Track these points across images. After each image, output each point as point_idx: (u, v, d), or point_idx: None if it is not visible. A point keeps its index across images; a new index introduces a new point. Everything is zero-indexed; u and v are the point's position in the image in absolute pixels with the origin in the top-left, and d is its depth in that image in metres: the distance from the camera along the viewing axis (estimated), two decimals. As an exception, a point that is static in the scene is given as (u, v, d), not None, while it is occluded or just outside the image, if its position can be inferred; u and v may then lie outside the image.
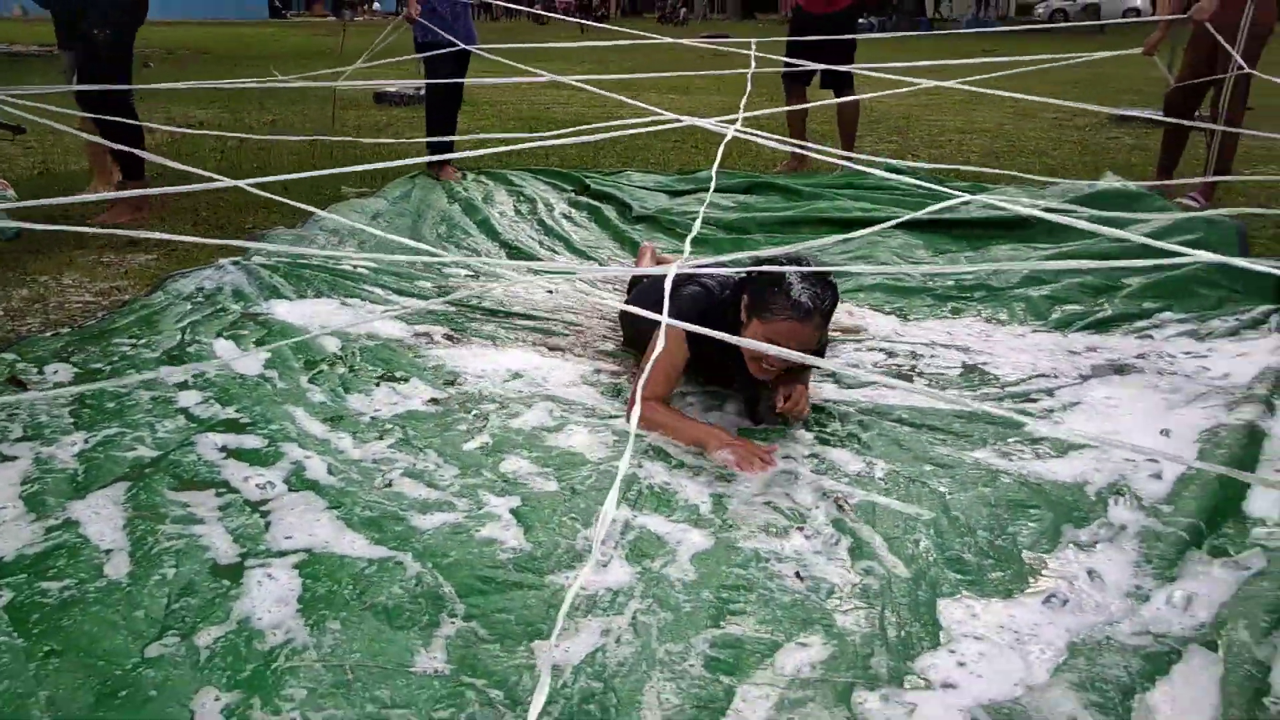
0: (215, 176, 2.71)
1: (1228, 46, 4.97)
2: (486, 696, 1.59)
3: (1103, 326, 3.64)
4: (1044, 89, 6.48)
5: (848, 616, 1.86)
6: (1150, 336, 3.55)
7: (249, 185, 2.62)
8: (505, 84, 8.93)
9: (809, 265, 2.56)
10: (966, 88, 4.98)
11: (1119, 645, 1.79)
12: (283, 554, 1.99)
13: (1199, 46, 5.45)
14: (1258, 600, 1.92)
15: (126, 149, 4.10)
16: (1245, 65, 4.97)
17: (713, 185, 4.71)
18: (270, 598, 1.83)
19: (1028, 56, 5.93)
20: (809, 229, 4.79)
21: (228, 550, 2.00)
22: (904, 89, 4.99)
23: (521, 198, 5.50)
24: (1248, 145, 6.74)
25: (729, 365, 2.70)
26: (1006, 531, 2.18)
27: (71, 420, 2.60)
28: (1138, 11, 28.92)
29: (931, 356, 3.31)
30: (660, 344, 1.89)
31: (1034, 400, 2.97)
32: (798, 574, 1.98)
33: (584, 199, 5.49)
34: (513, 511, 2.19)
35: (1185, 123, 5.33)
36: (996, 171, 5.06)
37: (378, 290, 3.88)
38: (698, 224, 3.62)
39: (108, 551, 1.99)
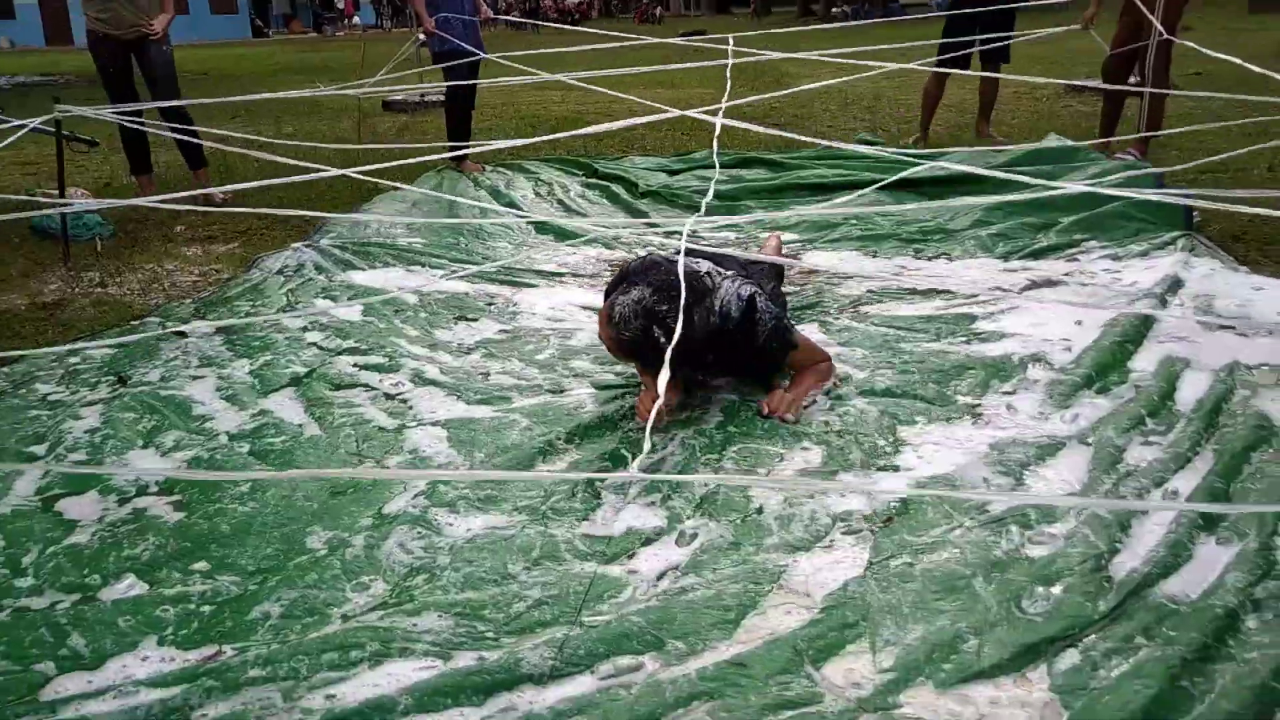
0: (321, 167, 3.48)
1: (1149, 15, 5.74)
2: (590, 483, 2.36)
3: (1039, 254, 4.43)
4: (1006, 66, 7.26)
5: (834, 437, 2.64)
6: (1077, 260, 4.34)
7: (355, 173, 3.39)
8: (513, 85, 9.66)
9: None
10: (925, 69, 5.76)
11: (1022, 442, 2.57)
12: (425, 423, 2.77)
13: (1127, 17, 6.23)
14: (1125, 414, 2.71)
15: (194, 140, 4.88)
16: (1164, 32, 5.75)
17: (716, 165, 5.45)
18: (428, 439, 2.61)
19: (982, 36, 6.77)
20: (793, 194, 5.56)
21: (386, 421, 2.78)
22: (869, 73, 5.76)
23: (539, 182, 6.26)
24: (1186, 106, 7.55)
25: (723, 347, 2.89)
26: (949, 384, 2.96)
27: (230, 354, 3.36)
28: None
29: (899, 281, 4.09)
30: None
31: (981, 304, 3.75)
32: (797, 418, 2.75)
33: (595, 180, 6.26)
34: (588, 391, 2.96)
35: (1115, 87, 6.12)
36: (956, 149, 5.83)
37: (434, 259, 4.64)
38: (709, 195, 4.35)
39: (300, 425, 2.76)
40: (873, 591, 1.96)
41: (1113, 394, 2.89)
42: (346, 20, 46.42)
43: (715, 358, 2.94)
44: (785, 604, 1.94)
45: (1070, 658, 1.75)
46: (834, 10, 33.36)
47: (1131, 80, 6.53)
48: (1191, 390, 2.88)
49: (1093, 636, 1.80)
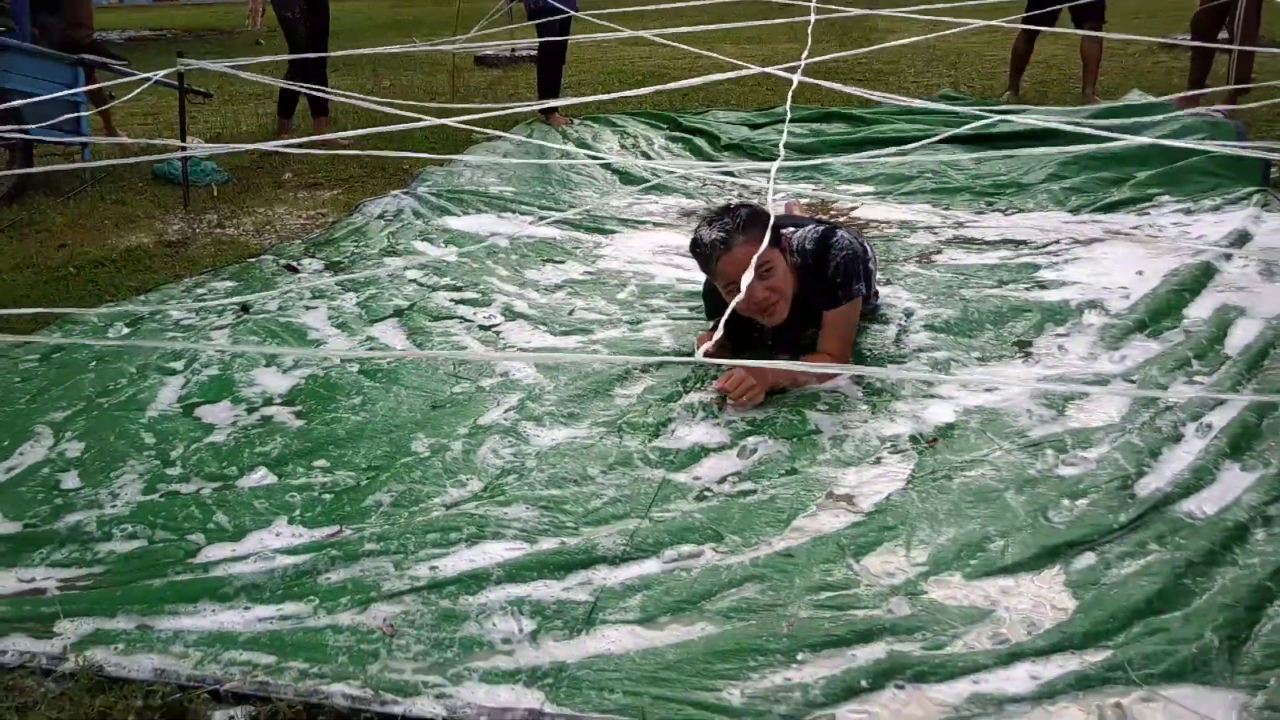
0: (420, 116, 3.76)
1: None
2: (666, 401, 2.61)
3: (1110, 208, 4.52)
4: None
5: (893, 363, 2.84)
6: (1148, 214, 4.42)
7: (454, 122, 3.66)
8: (601, 41, 9.85)
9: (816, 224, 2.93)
10: (1013, 25, 5.79)
11: (1069, 380, 2.74)
12: (517, 348, 3.04)
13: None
14: (1172, 356, 2.86)
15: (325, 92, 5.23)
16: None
17: (788, 120, 5.57)
18: (516, 366, 2.89)
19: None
20: (871, 148, 5.69)
21: (479, 348, 3.06)
22: (955, 29, 5.82)
23: (625, 135, 6.48)
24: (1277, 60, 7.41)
25: (757, 332, 2.88)
26: (1006, 325, 3.13)
27: (339, 288, 3.68)
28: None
29: (971, 231, 4.23)
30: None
31: (1050, 254, 3.88)
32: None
33: (678, 133, 6.45)
34: (663, 324, 3.21)
35: (1203, 44, 6.09)
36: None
37: (524, 205, 4.91)
38: (782, 144, 4.52)
39: (403, 349, 3.06)
40: (913, 501, 2.18)
41: (1163, 338, 3.02)
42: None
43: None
44: (832, 509, 2.17)
45: (1086, 559, 1.95)
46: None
47: (1222, 36, 6.47)
48: (1242, 336, 3.00)
49: (1109, 543, 1.99)
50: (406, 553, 2.01)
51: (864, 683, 1.64)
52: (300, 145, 4.79)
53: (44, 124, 4.95)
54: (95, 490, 2.31)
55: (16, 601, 1.93)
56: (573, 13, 6.74)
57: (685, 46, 5.85)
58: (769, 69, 4.70)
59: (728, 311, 2.06)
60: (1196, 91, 6.23)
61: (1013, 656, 1.70)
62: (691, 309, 3.35)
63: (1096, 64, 7.27)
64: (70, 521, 2.17)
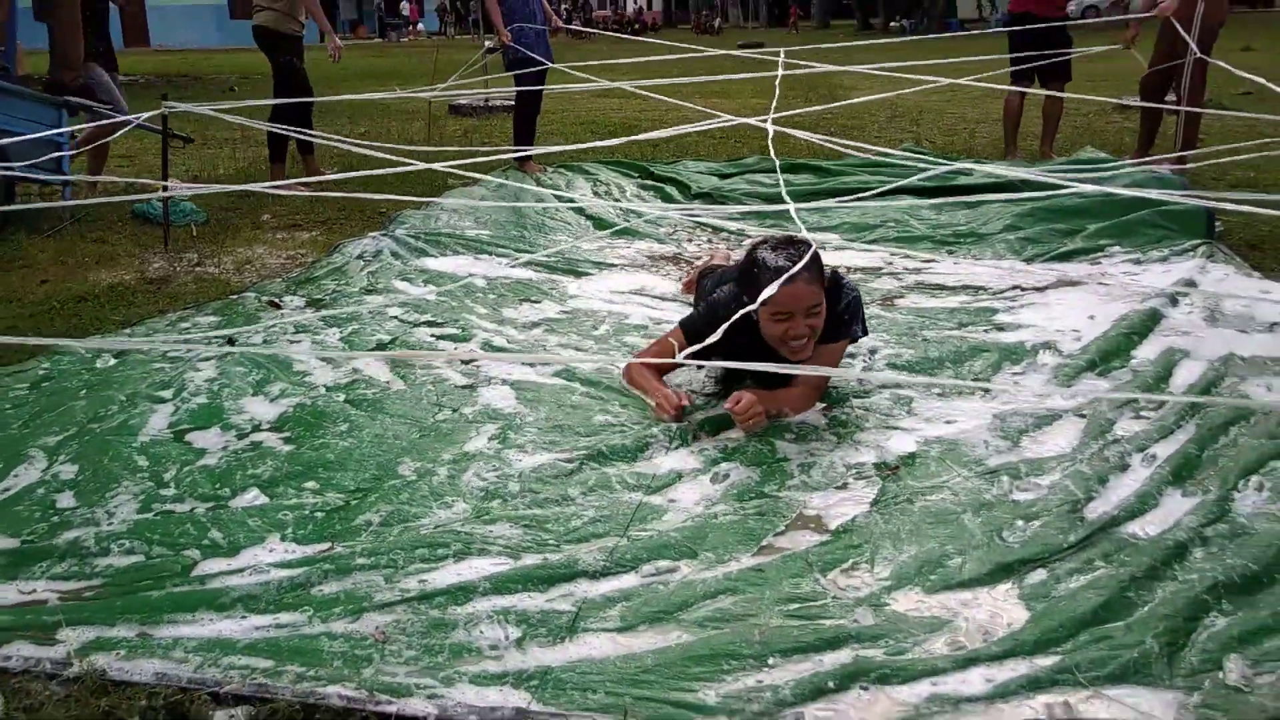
0: (406, 160, 3.89)
1: (1186, 36, 6.00)
2: (639, 424, 2.73)
3: (1064, 257, 4.72)
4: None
5: (857, 399, 2.98)
6: (1099, 263, 4.63)
7: (440, 167, 3.80)
8: (573, 92, 10.09)
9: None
10: (977, 84, 6.05)
11: (1023, 414, 2.89)
12: (496, 383, 3.16)
13: (1164, 39, 6.49)
14: (1117, 390, 3.02)
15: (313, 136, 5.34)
16: (1199, 51, 6.01)
17: (778, 165, 5.71)
18: (498, 397, 3.00)
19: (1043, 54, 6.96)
20: (835, 199, 5.89)
21: (460, 379, 3.17)
22: (918, 88, 6.06)
23: (598, 183, 6.66)
24: (1230, 124, 7.75)
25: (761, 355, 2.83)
26: (964, 363, 3.29)
27: (322, 323, 3.78)
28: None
29: (932, 276, 4.41)
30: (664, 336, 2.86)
31: (1007, 299, 4.06)
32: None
33: (649, 181, 6.64)
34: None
35: (1152, 104, 6.38)
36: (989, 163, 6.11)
37: (500, 248, 5.04)
38: (783, 190, 4.67)
39: (386, 381, 3.16)
40: (876, 522, 2.30)
41: (1112, 376, 3.20)
42: (411, 26, 47.52)
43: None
44: (801, 529, 2.29)
45: (1038, 575, 2.08)
46: (892, 25, 33.58)
47: (1169, 99, 6.77)
48: (1186, 375, 3.18)
49: (1060, 560, 2.13)
50: (396, 567, 2.11)
51: (831, 684, 1.76)
52: (293, 184, 4.90)
53: (26, 163, 5.05)
54: (91, 509, 2.39)
55: (19, 611, 2.00)
56: (549, 64, 6.95)
57: (658, 96, 6.05)
58: (742, 120, 4.90)
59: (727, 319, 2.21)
60: (1148, 160, 6.51)
61: (969, 661, 1.82)
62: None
63: (1056, 123, 7.53)
64: (68, 538, 2.24)
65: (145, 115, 4.98)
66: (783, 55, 6.09)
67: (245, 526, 2.29)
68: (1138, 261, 4.60)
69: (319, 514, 2.35)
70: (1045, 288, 4.25)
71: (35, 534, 2.29)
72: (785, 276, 2.64)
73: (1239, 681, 1.74)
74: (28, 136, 5.14)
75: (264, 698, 1.74)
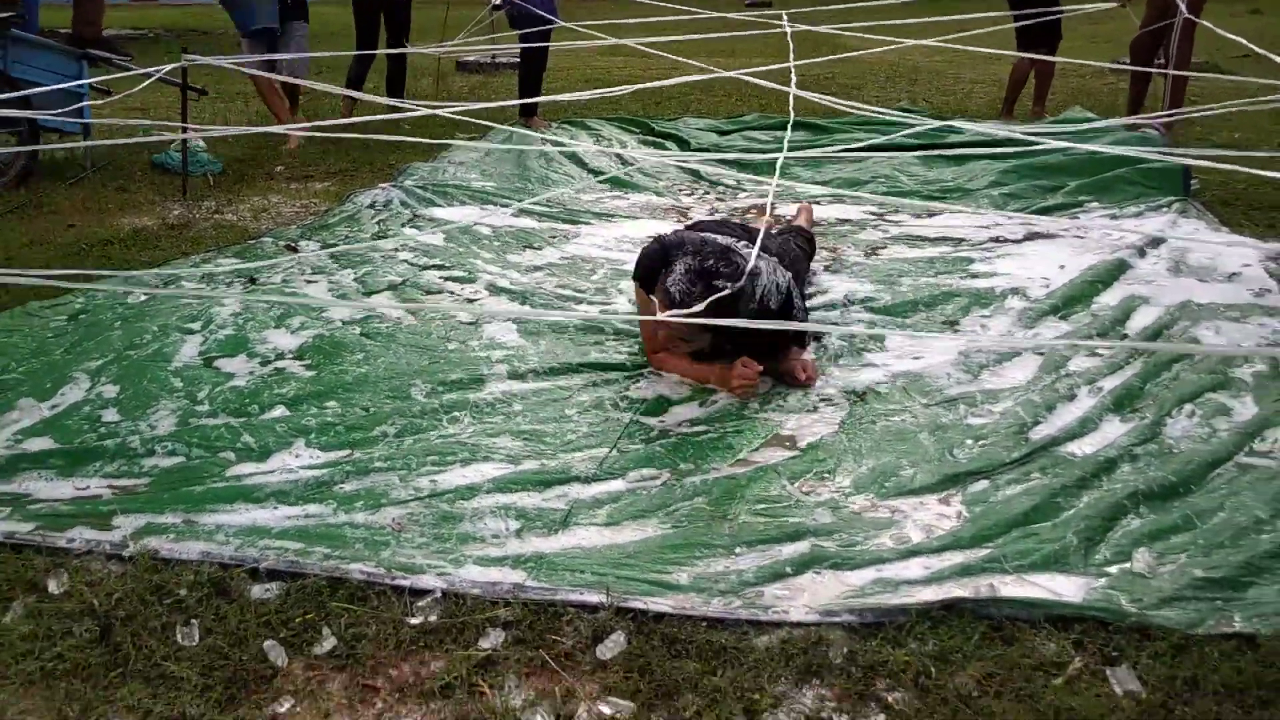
0: (419, 104, 4.11)
1: (1176, -3, 6.15)
2: (633, 359, 2.98)
3: (1044, 212, 4.94)
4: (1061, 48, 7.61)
5: (830, 339, 3.23)
6: (1077, 217, 4.84)
7: (447, 111, 4.02)
8: (580, 49, 10.23)
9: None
10: (955, 46, 6.23)
11: (985, 351, 3.13)
12: (500, 319, 3.40)
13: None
14: (1077, 334, 3.26)
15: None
16: (1186, 11, 6.17)
17: (792, 107, 5.83)
18: (501, 331, 3.25)
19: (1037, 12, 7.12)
20: (822, 149, 6.10)
21: (466, 316, 3.42)
22: (907, 43, 6.23)
23: (600, 138, 6.86)
24: (1223, 86, 7.91)
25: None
26: (937, 306, 3.52)
27: (336, 265, 4.02)
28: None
29: (915, 228, 4.64)
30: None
31: (984, 250, 4.29)
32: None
33: (650, 137, 6.84)
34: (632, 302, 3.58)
35: (1138, 68, 6.56)
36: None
37: (504, 199, 5.27)
38: (782, 155, 4.88)
39: (398, 316, 3.41)
40: (841, 441, 2.56)
41: (1073, 320, 3.43)
42: (418, -18, 47.28)
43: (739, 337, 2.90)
44: (775, 446, 2.55)
45: (980, 484, 2.34)
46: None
47: (1158, 61, 6.94)
48: (1142, 320, 3.42)
49: (1001, 473, 2.38)
50: (410, 470, 2.38)
51: (789, 569, 2.02)
52: (327, 128, 5.18)
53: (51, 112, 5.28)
54: (134, 422, 2.65)
55: (77, 502, 2.27)
56: (556, 21, 7.12)
57: (661, 54, 6.22)
58: (746, 73, 5.10)
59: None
60: (1138, 118, 6.69)
61: (910, 553, 2.08)
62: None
63: (1048, 82, 7.71)
64: (116, 442, 2.51)
65: (166, 68, 5.19)
66: (785, 17, 6.28)
67: (274, 433, 2.55)
68: (1114, 216, 4.81)
69: (340, 425, 2.61)
70: (1022, 240, 4.47)
71: (85, 441, 2.55)
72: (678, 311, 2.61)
73: (1144, 569, 2.00)
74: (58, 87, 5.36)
75: (295, 573, 2.01)
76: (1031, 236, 4.53)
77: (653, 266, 2.91)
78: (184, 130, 5.29)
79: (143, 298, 3.62)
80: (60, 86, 5.56)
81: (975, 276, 3.92)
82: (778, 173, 3.64)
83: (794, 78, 4.76)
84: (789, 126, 5.51)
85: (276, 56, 6.13)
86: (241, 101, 8.66)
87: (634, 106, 8.31)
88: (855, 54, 7.46)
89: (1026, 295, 3.67)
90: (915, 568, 2.03)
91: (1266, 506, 2.18)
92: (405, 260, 4.12)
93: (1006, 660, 1.76)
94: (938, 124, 4.75)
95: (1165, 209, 4.81)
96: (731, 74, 5.30)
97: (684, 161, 5.53)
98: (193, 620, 1.90)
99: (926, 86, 9.55)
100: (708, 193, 5.55)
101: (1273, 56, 4.36)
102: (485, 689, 1.74)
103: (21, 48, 5.69)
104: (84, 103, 6.04)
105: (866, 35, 6.48)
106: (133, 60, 6.14)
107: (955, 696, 1.68)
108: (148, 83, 5.22)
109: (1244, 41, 4.81)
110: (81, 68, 6.05)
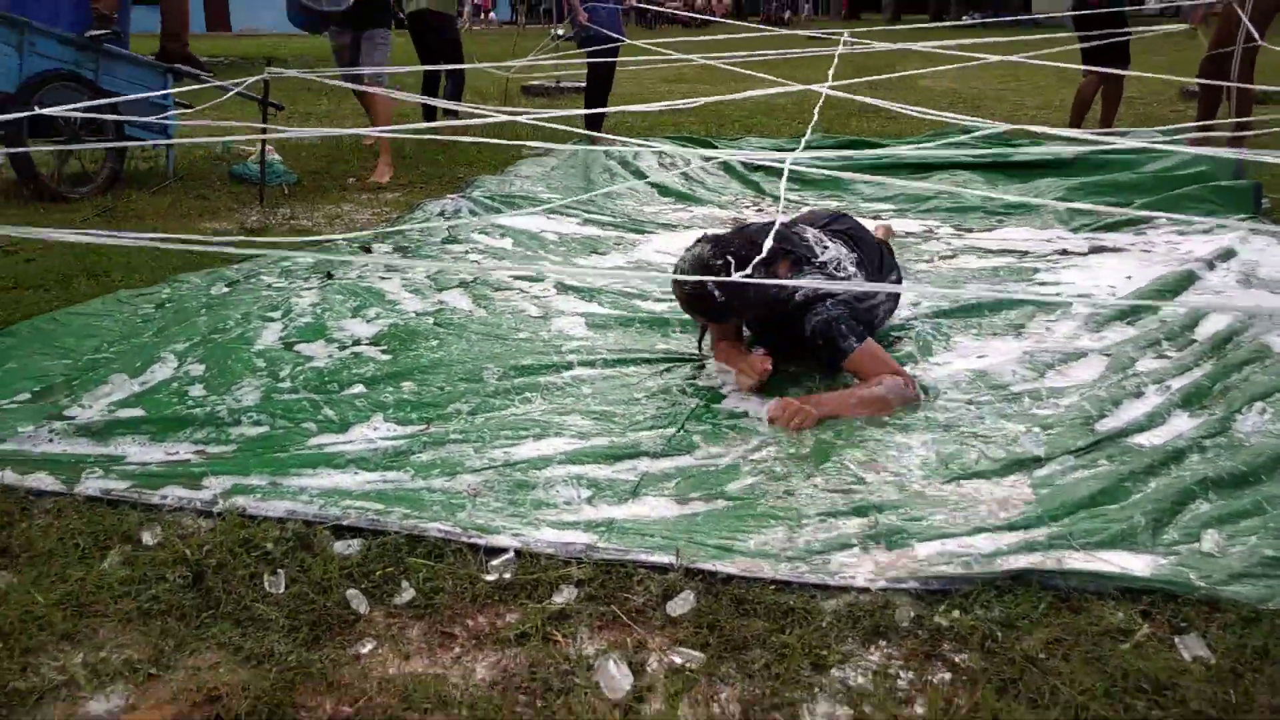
0: (493, 109, 4.23)
1: (1241, 14, 6.12)
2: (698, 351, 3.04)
3: (1110, 228, 4.92)
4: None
5: (895, 339, 3.25)
6: (1144, 234, 4.82)
7: (523, 117, 4.13)
8: (644, 70, 10.38)
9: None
10: (1022, 60, 6.24)
11: (1051, 351, 3.14)
12: (567, 314, 3.48)
13: (1224, 21, 6.61)
14: (1145, 337, 3.25)
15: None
16: (1255, 34, 6.13)
17: (816, 115, 5.94)
18: (570, 324, 3.33)
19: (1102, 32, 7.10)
20: (892, 172, 6.13)
21: (535, 310, 3.50)
22: (972, 63, 6.26)
23: (664, 155, 6.96)
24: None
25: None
26: (1002, 312, 3.53)
27: (408, 264, 4.14)
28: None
29: (979, 241, 4.65)
30: None
31: (1050, 261, 4.29)
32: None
33: (713, 153, 6.92)
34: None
35: (1208, 82, 6.52)
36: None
37: (570, 210, 5.38)
38: (801, 146, 4.94)
39: (469, 309, 3.51)
40: (905, 427, 2.58)
41: (1140, 324, 3.42)
42: (484, 15, 48.25)
43: (768, 332, 3.02)
44: (838, 430, 2.58)
45: (1047, 470, 2.35)
46: (964, 19, 33.34)
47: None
48: (1211, 326, 3.40)
49: (1067, 459, 2.39)
50: (484, 442, 2.45)
51: (854, 541, 2.05)
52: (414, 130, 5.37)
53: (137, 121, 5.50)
54: (220, 397, 2.76)
55: (169, 465, 2.37)
56: (622, 39, 7.26)
57: (727, 67, 6.33)
58: (805, 86, 5.17)
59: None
60: (1202, 132, 6.64)
61: (976, 530, 2.10)
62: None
63: (1115, 105, 7.67)
64: (205, 411, 2.62)
65: (249, 80, 5.39)
66: (846, 35, 6.35)
67: (353, 407, 2.65)
68: (1181, 233, 4.78)
69: (416, 402, 2.70)
70: (1088, 253, 4.46)
71: (175, 412, 2.66)
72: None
73: (1213, 549, 2.00)
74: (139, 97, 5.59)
75: (375, 530, 2.08)
76: (1097, 250, 4.52)
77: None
78: (264, 133, 5.48)
79: (225, 290, 3.76)
80: (144, 95, 5.80)
81: (1041, 285, 3.92)
82: (785, 179, 3.63)
83: (825, 90, 4.79)
84: (810, 129, 5.56)
85: (358, 70, 6.30)
86: (315, 120, 8.92)
87: (696, 127, 8.42)
88: (914, 73, 7.49)
89: (1092, 301, 3.66)
90: (982, 543, 2.05)
91: (1340, 494, 2.17)
92: (476, 260, 4.23)
93: (1073, 627, 1.77)
94: (1004, 127, 4.76)
95: (1236, 227, 4.77)
96: (775, 90, 5.36)
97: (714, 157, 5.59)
98: (279, 570, 1.98)
99: (989, 112, 9.53)
100: (772, 205, 5.60)
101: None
102: (559, 638, 1.79)
103: (112, 62, 5.95)
104: (169, 113, 6.29)
105: (935, 49, 6.52)
106: (213, 76, 6.37)
107: (1022, 658, 1.70)
108: (231, 94, 5.44)
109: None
110: (166, 81, 6.30)
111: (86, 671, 1.73)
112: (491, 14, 48.66)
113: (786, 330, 2.91)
